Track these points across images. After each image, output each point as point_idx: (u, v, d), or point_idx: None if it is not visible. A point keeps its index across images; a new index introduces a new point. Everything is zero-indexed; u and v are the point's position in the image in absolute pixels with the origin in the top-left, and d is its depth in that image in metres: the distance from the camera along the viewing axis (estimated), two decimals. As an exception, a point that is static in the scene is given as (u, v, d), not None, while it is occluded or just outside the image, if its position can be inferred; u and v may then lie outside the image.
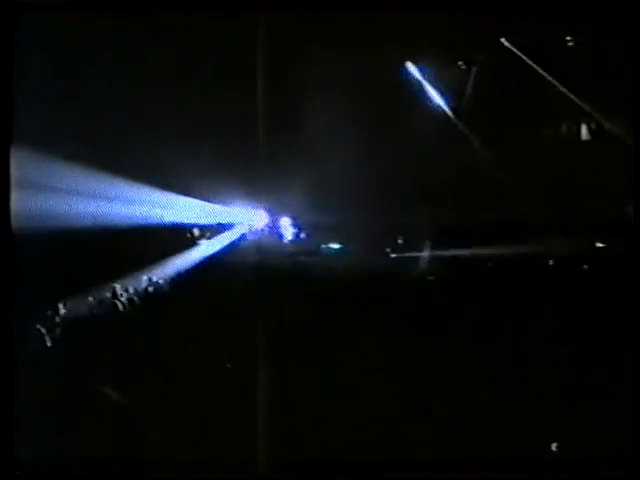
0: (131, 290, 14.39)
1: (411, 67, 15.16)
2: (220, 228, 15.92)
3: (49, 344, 12.98)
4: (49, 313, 13.51)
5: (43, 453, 10.96)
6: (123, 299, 14.15)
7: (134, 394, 12.30)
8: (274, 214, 15.99)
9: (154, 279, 14.78)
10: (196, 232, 15.83)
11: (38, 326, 13.04)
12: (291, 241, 16.02)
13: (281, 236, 16.03)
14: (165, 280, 14.86)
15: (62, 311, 13.57)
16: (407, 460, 10.96)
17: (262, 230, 16.07)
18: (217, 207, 15.69)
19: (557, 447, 11.27)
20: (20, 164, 12.94)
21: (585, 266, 14.37)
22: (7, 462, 9.86)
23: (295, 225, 16.02)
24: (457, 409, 11.82)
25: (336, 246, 15.90)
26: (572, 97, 14.51)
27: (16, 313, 12.28)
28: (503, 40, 14.64)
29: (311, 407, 11.91)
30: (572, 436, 11.21)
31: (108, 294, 14.22)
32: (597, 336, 12.61)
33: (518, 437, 11.24)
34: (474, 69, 14.93)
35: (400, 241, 15.65)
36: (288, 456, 11.21)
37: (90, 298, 13.95)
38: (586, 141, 14.91)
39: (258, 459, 11.30)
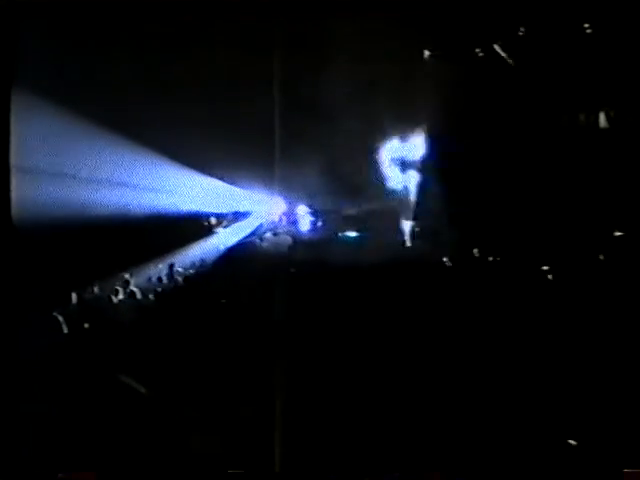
0: (148, 279, 14.45)
1: (428, 56, 15.11)
2: (237, 216, 15.95)
3: (66, 331, 13.06)
4: (67, 301, 13.61)
5: (57, 441, 11.03)
6: (140, 288, 14.20)
7: (150, 383, 12.34)
8: (291, 202, 15.99)
9: (171, 268, 14.82)
10: (213, 221, 15.86)
11: (55, 314, 13.12)
12: (308, 229, 16.01)
13: (298, 224, 16.03)
14: (182, 269, 14.91)
15: (79, 299, 13.67)
16: (426, 462, 10.90)
17: (279, 218, 16.08)
18: (234, 193, 15.71)
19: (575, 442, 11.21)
20: (37, 153, 13.13)
21: (601, 256, 14.26)
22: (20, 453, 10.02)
23: (312, 213, 16.01)
24: (475, 403, 11.75)
25: (353, 234, 15.87)
26: (590, 85, 14.45)
27: (35, 301, 12.51)
28: (520, 28, 14.58)
29: (328, 400, 11.89)
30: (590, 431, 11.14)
31: (125, 282, 14.27)
32: (614, 328, 12.50)
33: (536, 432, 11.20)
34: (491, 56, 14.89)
35: (417, 229, 15.59)
36: (304, 458, 11.19)
37: (107, 286, 14.02)
38: (604, 129, 14.83)
39: (275, 459, 11.29)
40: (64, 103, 13.71)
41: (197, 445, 11.26)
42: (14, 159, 12.27)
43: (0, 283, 11.63)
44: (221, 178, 15.32)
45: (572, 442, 11.21)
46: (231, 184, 15.49)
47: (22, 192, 12.62)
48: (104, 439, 11.22)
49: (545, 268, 14.12)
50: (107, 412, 11.52)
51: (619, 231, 14.60)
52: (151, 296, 14.18)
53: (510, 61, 14.74)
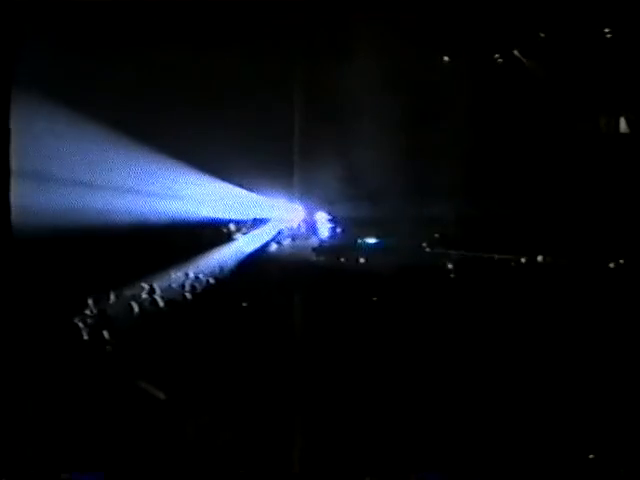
0: (168, 286, 14.45)
1: (447, 61, 15.11)
2: (256, 223, 15.96)
3: (86, 338, 13.09)
4: (87, 308, 13.64)
5: (78, 446, 11.03)
6: (160, 295, 14.19)
7: (170, 389, 12.33)
8: (310, 209, 15.99)
9: (190, 275, 14.82)
10: (232, 227, 15.86)
11: (75, 320, 13.16)
12: (327, 236, 16.00)
13: (317, 231, 16.03)
14: (202, 276, 14.89)
15: (99, 306, 13.69)
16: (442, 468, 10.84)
17: (298, 225, 16.08)
18: (253, 200, 15.73)
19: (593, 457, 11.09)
20: (53, 160, 13.17)
21: (621, 260, 14.17)
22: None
23: (331, 220, 16.00)
24: (491, 414, 11.66)
25: (372, 240, 15.85)
26: (611, 90, 14.42)
27: (56, 307, 12.56)
28: (540, 33, 14.56)
29: (347, 404, 11.86)
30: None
31: (146, 290, 14.27)
32: (630, 336, 12.39)
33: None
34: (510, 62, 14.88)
35: (436, 235, 15.55)
36: (323, 458, 11.15)
37: (127, 294, 14.02)
38: (625, 134, 14.78)
39: (293, 460, 11.25)
40: (76, 109, 13.68)
41: (215, 448, 11.25)
42: (28, 166, 12.26)
43: (18, 291, 11.63)
44: (240, 185, 15.33)
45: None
46: (250, 191, 15.50)
47: (38, 199, 12.65)
48: (120, 448, 11.22)
49: (565, 273, 14.07)
50: (126, 415, 11.53)
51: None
52: (171, 303, 14.17)
53: (530, 66, 14.72)
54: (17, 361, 10.91)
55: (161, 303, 14.07)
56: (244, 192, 15.47)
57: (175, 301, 14.27)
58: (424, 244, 15.56)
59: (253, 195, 15.56)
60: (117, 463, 10.82)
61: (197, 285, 14.77)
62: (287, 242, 15.98)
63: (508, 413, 11.61)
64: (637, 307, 12.82)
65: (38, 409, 10.98)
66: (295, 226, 16.05)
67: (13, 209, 11.20)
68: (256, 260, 15.41)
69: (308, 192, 15.37)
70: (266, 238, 15.84)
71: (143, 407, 11.94)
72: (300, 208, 15.92)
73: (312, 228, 16.05)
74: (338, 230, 15.99)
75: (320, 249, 15.65)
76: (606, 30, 14.24)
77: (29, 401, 10.89)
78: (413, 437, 11.32)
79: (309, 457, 11.25)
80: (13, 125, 11.27)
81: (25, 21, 11.71)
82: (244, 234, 15.89)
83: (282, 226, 15.98)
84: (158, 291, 14.25)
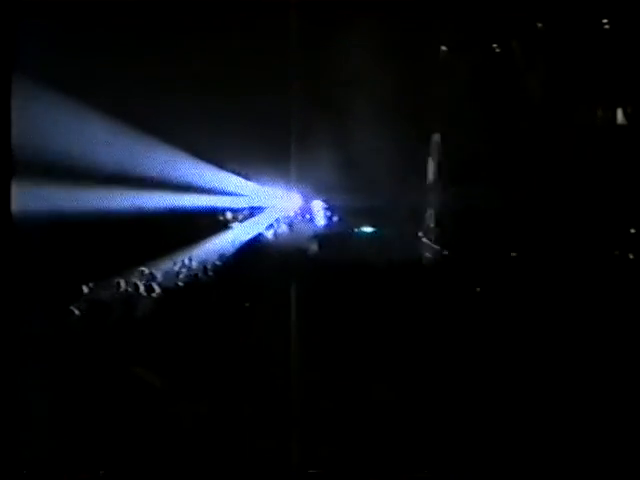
0: (164, 274, 14.48)
1: (445, 51, 15.09)
2: (253, 211, 15.99)
3: (83, 325, 13.09)
4: (84, 295, 13.66)
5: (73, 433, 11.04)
6: (156, 282, 14.22)
7: (165, 377, 12.32)
8: (307, 197, 16.01)
9: (186, 263, 14.85)
10: (229, 215, 15.89)
11: (71, 307, 13.17)
12: (324, 224, 16.03)
13: (314, 219, 16.05)
14: (197, 264, 14.94)
15: (95, 293, 13.71)
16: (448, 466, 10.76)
17: (295, 213, 16.11)
18: (250, 188, 15.75)
19: None
20: (50, 148, 13.17)
21: (616, 252, 14.16)
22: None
23: (328, 208, 16.03)
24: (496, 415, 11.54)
25: (369, 229, 15.88)
26: (608, 81, 14.42)
27: (50, 296, 12.57)
28: (538, 23, 14.54)
29: (345, 396, 11.84)
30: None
31: (142, 277, 14.29)
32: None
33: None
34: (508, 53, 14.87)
35: (432, 224, 15.56)
36: (322, 453, 11.12)
37: (123, 281, 14.03)
38: (622, 125, 14.78)
39: (292, 454, 11.23)
40: (73, 97, 13.65)
41: (211, 444, 11.24)
42: (27, 153, 12.22)
43: (14, 278, 11.61)
44: (237, 173, 15.35)
45: None
46: (247, 179, 15.52)
47: (34, 187, 12.64)
48: (115, 438, 11.20)
49: (560, 265, 14.06)
50: (120, 410, 11.50)
51: (634, 228, 14.55)
52: (167, 291, 14.19)
53: (527, 56, 14.73)
54: (16, 357, 10.93)
55: (157, 290, 14.08)
56: (241, 180, 15.50)
57: (171, 289, 14.28)
58: (420, 233, 15.57)
59: (250, 183, 15.60)
60: (116, 456, 10.84)
61: (193, 273, 14.80)
62: (283, 230, 16.02)
63: (508, 410, 11.52)
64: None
65: (37, 403, 10.99)
66: (291, 214, 16.10)
67: (13, 197, 11.19)
68: (252, 248, 15.43)
69: (305, 180, 15.37)
70: (262, 226, 15.89)
71: (138, 395, 11.92)
72: (297, 196, 15.95)
73: (308, 216, 16.09)
74: (334, 219, 16.03)
75: (316, 237, 15.65)
76: (604, 21, 14.24)
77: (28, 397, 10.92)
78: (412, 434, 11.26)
79: (308, 452, 11.22)
80: (14, 112, 11.23)
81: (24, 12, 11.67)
82: (240, 222, 15.94)
83: (278, 214, 16.03)
84: (154, 279, 14.27)
